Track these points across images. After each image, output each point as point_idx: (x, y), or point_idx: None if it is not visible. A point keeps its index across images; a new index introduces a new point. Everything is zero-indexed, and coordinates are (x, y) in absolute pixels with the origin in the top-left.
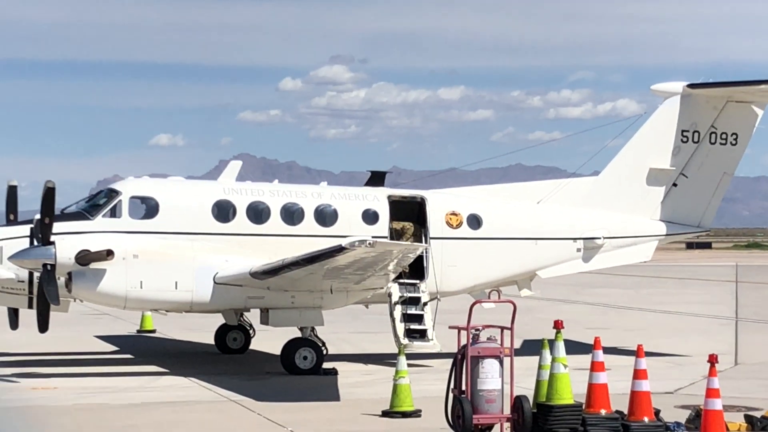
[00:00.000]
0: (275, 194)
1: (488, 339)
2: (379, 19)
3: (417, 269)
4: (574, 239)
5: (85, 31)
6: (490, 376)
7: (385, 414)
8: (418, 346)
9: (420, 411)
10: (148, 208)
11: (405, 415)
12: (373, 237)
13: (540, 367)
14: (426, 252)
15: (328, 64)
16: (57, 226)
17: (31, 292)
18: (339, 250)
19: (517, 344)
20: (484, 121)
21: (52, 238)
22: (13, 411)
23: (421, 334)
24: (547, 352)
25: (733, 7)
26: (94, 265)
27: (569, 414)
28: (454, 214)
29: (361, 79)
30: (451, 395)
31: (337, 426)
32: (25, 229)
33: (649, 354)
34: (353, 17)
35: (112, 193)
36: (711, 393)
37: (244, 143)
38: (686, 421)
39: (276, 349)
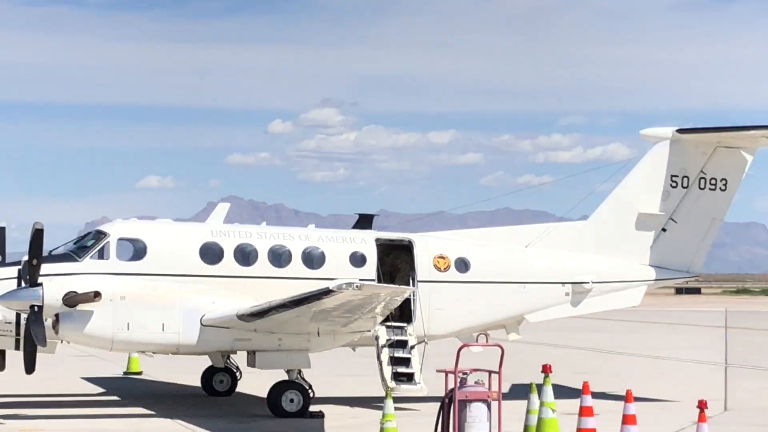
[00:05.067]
0: (263, 236)
1: (476, 383)
2: (370, 62)
3: (404, 312)
4: (563, 283)
5: (75, 73)
6: (478, 420)
7: None
8: (405, 390)
9: None
10: (136, 249)
11: None
12: (360, 280)
13: (528, 411)
14: (413, 295)
15: (318, 107)
16: (45, 268)
17: (18, 333)
18: (326, 292)
19: (505, 388)
20: (474, 165)
21: (40, 279)
22: None
23: (409, 378)
24: (535, 397)
25: (724, 52)
26: (81, 307)
27: None
28: (441, 257)
29: (352, 122)
30: None
31: None
32: (13, 271)
33: (637, 399)
34: (345, 60)
35: (100, 235)
36: None
37: (233, 185)
38: None
39: (263, 392)
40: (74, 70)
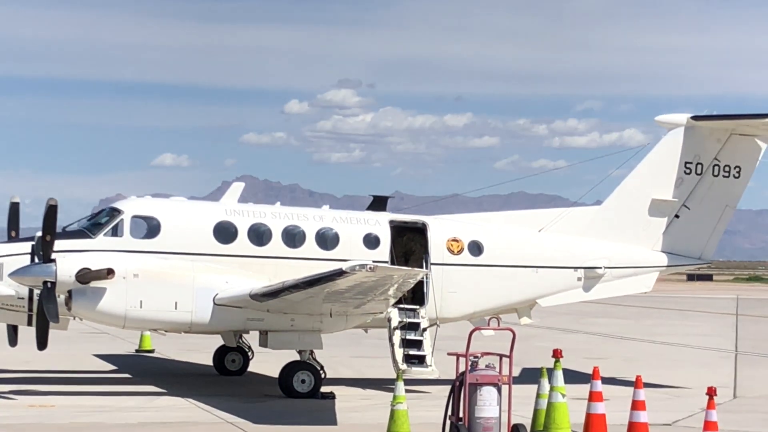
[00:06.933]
0: (277, 216)
1: (487, 366)
2: (388, 44)
3: (417, 295)
4: (575, 268)
5: (91, 50)
6: (488, 404)
7: None
8: (416, 372)
9: None
10: (150, 227)
11: None
12: (373, 261)
13: (538, 395)
14: (426, 277)
15: (335, 88)
16: (58, 244)
17: (30, 309)
18: (339, 273)
19: (516, 372)
20: (489, 148)
21: (53, 255)
22: (9, 429)
23: (420, 360)
24: (545, 381)
25: (742, 40)
26: (94, 284)
27: None
28: (455, 240)
29: (368, 103)
30: (448, 422)
31: None
32: (27, 246)
33: (647, 385)
34: (362, 42)
35: (114, 212)
36: (709, 426)
37: (248, 165)
38: None
39: (274, 372)
40: (91, 47)
